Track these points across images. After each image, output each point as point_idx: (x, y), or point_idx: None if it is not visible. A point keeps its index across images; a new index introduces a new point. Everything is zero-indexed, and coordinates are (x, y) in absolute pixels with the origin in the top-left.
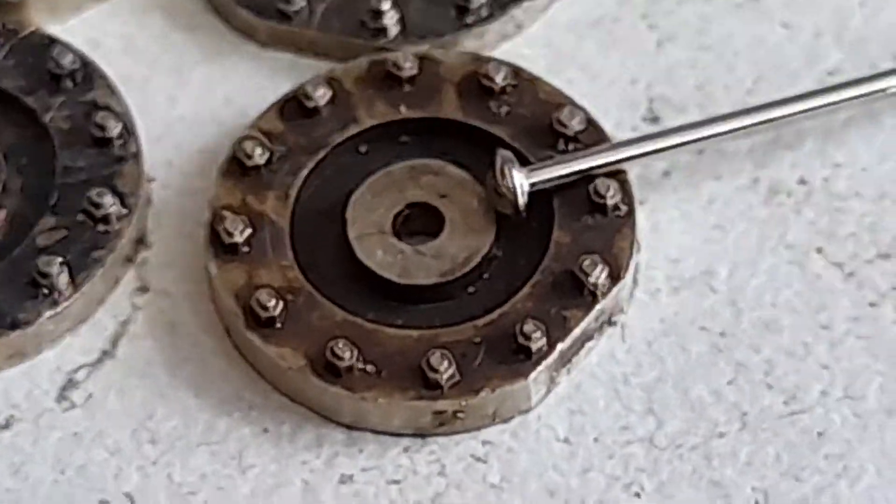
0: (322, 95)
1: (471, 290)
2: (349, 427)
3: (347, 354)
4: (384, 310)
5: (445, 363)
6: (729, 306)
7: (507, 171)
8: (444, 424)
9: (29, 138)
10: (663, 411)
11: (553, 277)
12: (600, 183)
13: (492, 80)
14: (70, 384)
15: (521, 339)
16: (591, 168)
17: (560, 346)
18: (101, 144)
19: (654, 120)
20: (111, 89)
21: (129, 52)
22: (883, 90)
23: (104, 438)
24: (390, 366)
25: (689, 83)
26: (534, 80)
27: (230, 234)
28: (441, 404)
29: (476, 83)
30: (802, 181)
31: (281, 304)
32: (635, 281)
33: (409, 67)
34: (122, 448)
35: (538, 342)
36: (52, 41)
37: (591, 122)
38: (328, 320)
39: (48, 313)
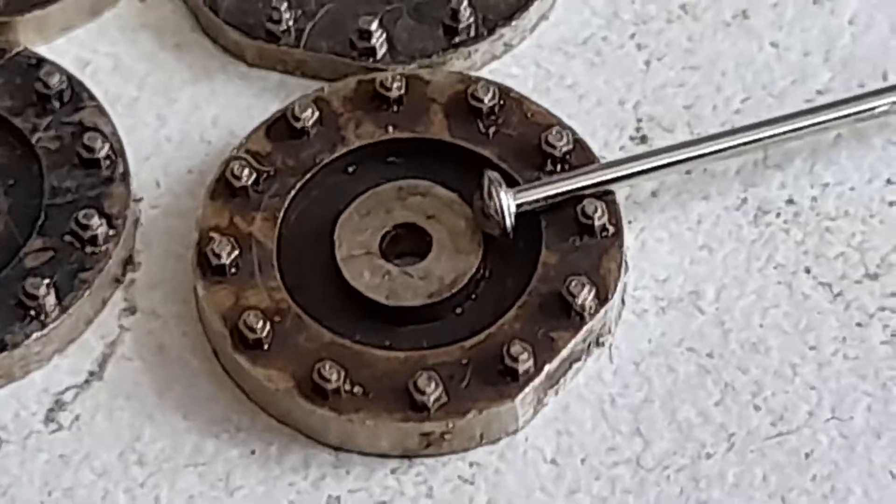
0: (310, 116)
1: (458, 311)
2: (336, 448)
3: (335, 376)
4: (371, 331)
5: (433, 385)
6: (717, 327)
7: (494, 193)
8: (431, 446)
9: (16, 159)
10: (650, 432)
11: (540, 299)
12: (588, 204)
13: (480, 100)
14: (57, 406)
15: (508, 361)
16: (579, 189)
17: (547, 368)
18: (88, 165)
19: (643, 140)
20: (99, 109)
21: (117, 72)
22: (871, 109)
23: (91, 460)
24: (377, 387)
25: (678, 103)
26: (522, 101)
27: (218, 256)
28: (428, 426)
29: (464, 103)
30: (791, 201)
31: (268, 325)
32: (623, 301)
33: (396, 87)
34: (109, 470)
35: (525, 363)
36: (40, 61)
37: (578, 143)
38: (315, 342)
39: (35, 335)
